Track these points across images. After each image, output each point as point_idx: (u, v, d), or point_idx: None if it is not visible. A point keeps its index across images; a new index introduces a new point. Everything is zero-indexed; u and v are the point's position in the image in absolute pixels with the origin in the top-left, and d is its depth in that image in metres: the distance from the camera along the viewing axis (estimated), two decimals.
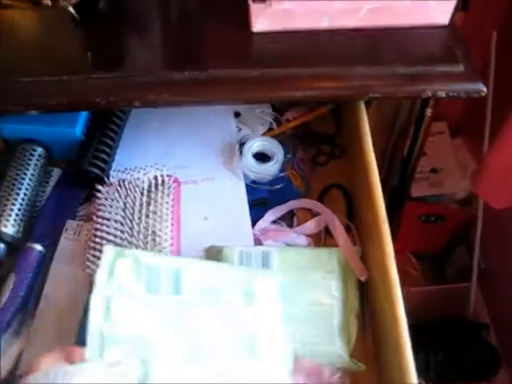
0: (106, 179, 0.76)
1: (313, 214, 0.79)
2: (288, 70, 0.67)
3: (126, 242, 0.70)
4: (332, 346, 0.66)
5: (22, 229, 0.74)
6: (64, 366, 0.50)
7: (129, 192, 0.73)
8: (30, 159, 0.77)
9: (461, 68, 0.67)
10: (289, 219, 0.79)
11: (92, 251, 0.70)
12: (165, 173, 0.75)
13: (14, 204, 0.74)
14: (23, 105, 0.68)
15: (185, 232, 0.75)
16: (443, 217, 1.39)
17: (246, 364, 0.58)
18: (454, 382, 1.28)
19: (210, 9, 0.75)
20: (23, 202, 0.75)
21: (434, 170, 1.41)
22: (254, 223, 0.77)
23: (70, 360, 0.51)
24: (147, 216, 0.71)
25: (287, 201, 0.79)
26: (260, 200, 0.80)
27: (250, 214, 0.77)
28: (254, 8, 0.66)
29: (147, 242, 0.70)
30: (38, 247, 0.73)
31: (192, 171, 0.80)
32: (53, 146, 0.80)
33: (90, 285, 0.68)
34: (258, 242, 0.75)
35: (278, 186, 0.81)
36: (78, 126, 0.78)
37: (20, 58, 0.70)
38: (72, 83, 0.67)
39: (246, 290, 0.63)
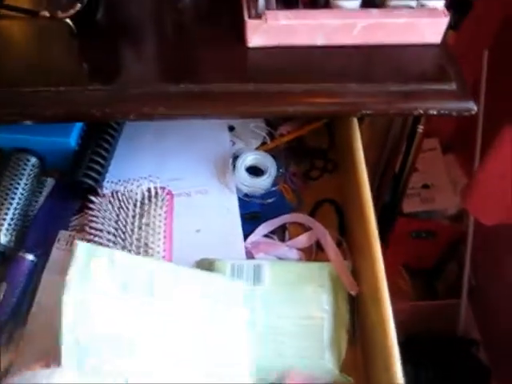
0: (99, 190, 0.76)
1: (305, 229, 0.79)
2: (282, 85, 0.67)
3: None
4: (322, 359, 0.66)
5: (14, 238, 0.74)
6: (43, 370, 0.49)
7: (122, 204, 0.74)
8: (24, 169, 0.78)
9: (452, 86, 0.68)
10: (281, 233, 0.79)
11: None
12: (158, 185, 0.75)
13: (6, 213, 0.74)
14: (19, 115, 0.68)
15: (177, 244, 0.75)
16: (434, 233, 1.40)
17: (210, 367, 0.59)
18: None
19: (205, 23, 0.75)
20: (16, 212, 0.75)
21: (425, 186, 1.42)
22: (246, 236, 0.77)
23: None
24: (140, 228, 0.72)
25: (279, 215, 0.79)
26: (252, 214, 0.80)
27: (243, 228, 0.78)
28: (250, 24, 0.67)
29: (139, 254, 0.70)
30: (30, 257, 0.73)
31: (185, 184, 0.81)
32: (47, 156, 0.80)
33: None
34: (249, 255, 0.75)
35: (270, 200, 0.81)
36: (72, 136, 0.78)
37: (16, 68, 0.70)
38: (68, 94, 0.67)
39: (211, 294, 0.64)
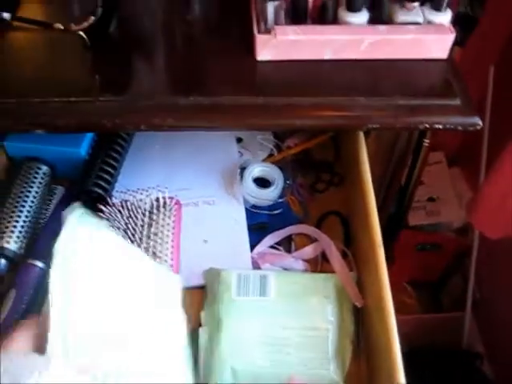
0: (108, 199, 0.77)
1: (310, 240, 0.80)
2: (290, 98, 0.68)
3: None
4: (327, 370, 0.66)
5: (24, 245, 0.75)
6: (31, 360, 0.48)
7: (131, 213, 0.75)
8: (35, 177, 0.79)
9: (458, 102, 0.69)
10: (287, 244, 0.80)
11: None
12: (167, 195, 0.76)
13: (17, 221, 0.75)
14: (31, 124, 0.70)
15: (185, 254, 0.76)
16: (439, 245, 1.40)
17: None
18: None
19: (215, 35, 0.77)
20: (26, 219, 0.76)
21: (431, 199, 1.42)
22: (252, 247, 0.78)
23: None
24: (148, 237, 0.73)
25: (286, 226, 0.80)
26: (259, 224, 0.81)
27: (249, 238, 0.79)
28: (260, 38, 0.68)
29: None
30: (40, 264, 0.74)
31: (193, 194, 0.82)
32: (57, 165, 0.82)
33: None
34: (255, 265, 0.76)
35: (277, 211, 0.82)
36: (82, 146, 0.80)
37: (30, 79, 0.71)
38: (80, 105, 0.68)
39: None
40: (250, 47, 0.71)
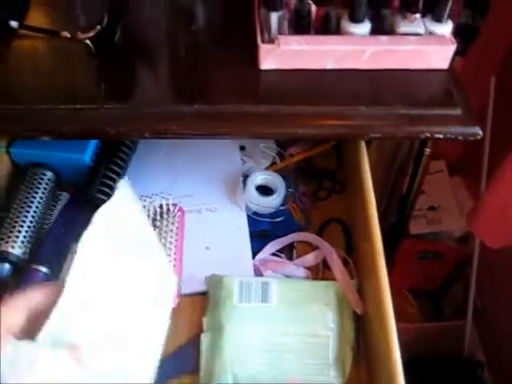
0: None
1: (312, 247, 0.81)
2: (293, 107, 0.69)
3: None
4: (327, 376, 0.67)
5: (28, 250, 0.76)
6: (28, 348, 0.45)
7: None
8: (40, 183, 0.80)
9: (458, 111, 0.69)
10: (288, 251, 0.80)
11: None
12: (170, 201, 0.77)
13: (22, 226, 0.76)
14: (37, 131, 0.70)
15: (187, 260, 0.77)
16: (441, 254, 1.41)
17: None
18: None
19: (219, 46, 0.78)
20: (31, 225, 0.77)
21: (432, 208, 1.43)
22: (254, 254, 0.79)
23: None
24: None
25: (288, 233, 0.81)
26: (261, 232, 0.82)
27: (251, 245, 0.79)
28: (263, 48, 0.69)
29: None
30: (43, 269, 0.75)
31: (196, 201, 0.83)
32: (62, 171, 0.82)
33: None
34: (257, 272, 0.77)
35: (279, 219, 0.83)
36: (87, 152, 0.81)
37: (36, 86, 0.72)
38: (85, 112, 0.69)
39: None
40: (253, 56, 0.72)
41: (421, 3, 0.70)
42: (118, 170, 0.82)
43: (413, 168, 0.99)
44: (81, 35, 0.74)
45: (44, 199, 0.80)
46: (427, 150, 0.95)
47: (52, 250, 0.77)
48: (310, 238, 0.81)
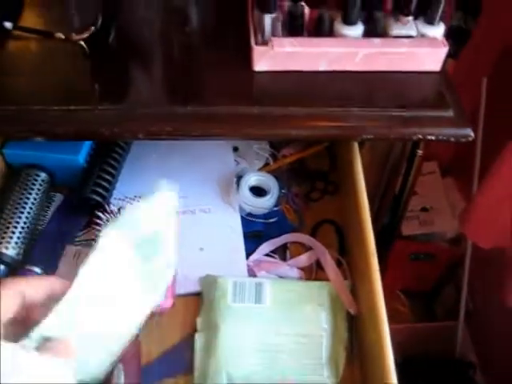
0: (106, 206, 0.78)
1: (305, 248, 0.81)
2: (286, 108, 0.70)
3: None
4: (320, 376, 0.67)
5: (22, 251, 0.76)
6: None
7: None
8: (34, 184, 0.80)
9: (450, 113, 0.70)
10: (282, 252, 0.81)
11: None
12: None
13: (15, 227, 0.76)
14: (31, 131, 0.70)
15: (181, 261, 0.76)
16: (433, 255, 1.41)
17: None
18: None
19: (213, 47, 0.78)
20: (25, 226, 0.77)
21: (424, 209, 1.43)
22: (248, 255, 0.79)
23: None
24: None
25: (281, 234, 0.81)
26: (255, 232, 0.82)
27: (245, 246, 0.79)
28: (257, 50, 0.70)
29: None
30: (37, 270, 0.75)
31: (190, 202, 0.83)
32: (56, 172, 0.82)
33: None
34: (251, 273, 0.77)
35: (272, 220, 0.83)
36: (81, 153, 0.81)
37: (30, 87, 0.72)
38: (79, 113, 0.69)
39: None
40: (247, 58, 0.72)
41: (413, 5, 0.70)
42: (111, 171, 0.82)
43: (405, 169, 1.00)
44: (75, 36, 0.74)
45: (38, 200, 0.80)
46: (419, 152, 0.95)
47: (46, 251, 0.77)
48: (303, 239, 0.81)
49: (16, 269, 0.75)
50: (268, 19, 0.70)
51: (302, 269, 0.79)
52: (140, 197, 0.79)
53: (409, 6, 0.70)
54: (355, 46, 0.70)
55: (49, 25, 0.78)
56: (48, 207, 0.82)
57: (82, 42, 0.74)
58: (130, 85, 0.74)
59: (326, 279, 0.76)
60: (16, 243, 0.75)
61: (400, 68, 0.72)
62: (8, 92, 0.72)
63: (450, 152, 1.49)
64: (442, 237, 1.43)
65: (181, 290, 0.75)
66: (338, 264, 0.79)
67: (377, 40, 0.70)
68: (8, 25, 0.75)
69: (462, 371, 1.34)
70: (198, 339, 0.70)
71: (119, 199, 0.80)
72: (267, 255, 0.80)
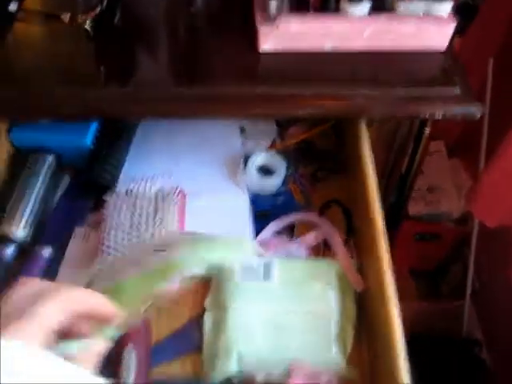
0: (114, 188, 0.79)
1: (313, 228, 0.81)
2: (292, 88, 0.70)
3: None
4: (329, 353, 0.68)
5: (31, 233, 0.77)
6: None
7: (136, 201, 0.76)
8: (42, 166, 0.80)
9: (457, 91, 0.70)
10: (289, 232, 0.81)
11: (100, 257, 0.72)
12: (171, 184, 0.78)
13: (25, 209, 0.76)
14: (37, 113, 0.71)
15: None
16: (439, 235, 1.42)
17: None
18: None
19: (219, 28, 0.78)
20: (34, 208, 0.77)
21: (430, 189, 1.43)
22: (255, 235, 0.79)
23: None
24: (154, 225, 0.74)
25: (288, 214, 0.81)
26: (262, 212, 0.82)
27: (252, 226, 0.80)
28: (262, 30, 0.69)
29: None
30: (47, 252, 0.75)
31: (197, 183, 0.83)
32: (64, 154, 0.83)
33: None
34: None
35: (279, 199, 0.83)
36: (88, 135, 0.81)
37: (36, 68, 0.72)
38: (85, 94, 0.70)
39: None
40: (252, 38, 0.72)
41: None
42: (118, 152, 0.82)
43: (412, 148, 1.00)
44: (80, 18, 0.74)
45: (46, 182, 0.80)
46: (427, 130, 0.95)
47: (55, 232, 0.78)
48: (311, 218, 0.81)
49: (26, 250, 0.76)
50: None
51: (309, 248, 0.79)
52: (148, 178, 0.79)
53: None
54: (361, 24, 0.70)
55: (54, 6, 0.78)
56: (56, 189, 0.83)
57: (88, 24, 0.74)
58: (135, 66, 0.74)
59: (334, 258, 0.76)
60: (25, 224, 0.76)
61: (407, 46, 0.72)
62: (13, 74, 0.72)
63: (456, 132, 1.48)
64: (448, 216, 1.43)
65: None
66: (345, 243, 0.79)
67: (383, 17, 0.70)
68: (13, 7, 0.75)
69: (468, 349, 1.35)
70: (207, 318, 0.71)
71: (126, 181, 0.80)
72: (275, 235, 0.80)
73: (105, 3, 0.74)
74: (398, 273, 0.67)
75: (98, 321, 0.47)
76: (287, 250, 0.78)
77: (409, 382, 0.60)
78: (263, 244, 0.78)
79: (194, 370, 0.69)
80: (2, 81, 0.71)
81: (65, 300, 0.44)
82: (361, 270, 0.75)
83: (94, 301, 0.47)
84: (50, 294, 0.43)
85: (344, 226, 0.82)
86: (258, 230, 0.79)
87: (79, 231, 0.79)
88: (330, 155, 0.89)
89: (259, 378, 0.66)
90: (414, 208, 1.39)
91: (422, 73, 0.72)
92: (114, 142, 0.83)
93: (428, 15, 0.71)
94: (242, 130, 0.90)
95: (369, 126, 0.80)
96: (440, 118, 0.71)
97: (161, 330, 0.72)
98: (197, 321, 0.72)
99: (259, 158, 0.85)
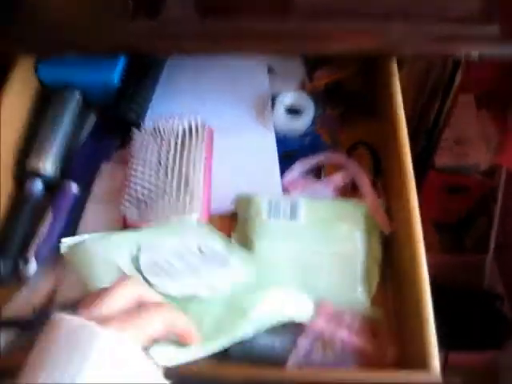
0: (141, 124, 0.78)
1: (340, 168, 0.80)
2: (324, 23, 0.68)
3: (160, 186, 0.72)
4: (354, 292, 0.68)
5: (59, 170, 0.77)
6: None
7: (163, 137, 0.75)
8: (69, 103, 0.80)
9: (496, 29, 0.67)
10: (317, 172, 0.80)
11: (127, 193, 0.72)
12: (199, 120, 0.77)
13: (52, 145, 0.77)
14: (64, 47, 0.70)
15: (215, 180, 0.77)
16: (466, 188, 1.40)
17: None
18: (466, 349, 1.30)
19: None
20: (61, 144, 0.77)
21: (458, 141, 1.41)
22: (282, 175, 0.79)
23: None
24: (181, 161, 0.73)
25: (316, 154, 0.80)
26: (289, 152, 0.81)
27: (279, 166, 0.79)
28: None
29: (180, 187, 0.72)
30: (74, 187, 0.76)
31: (224, 122, 0.82)
32: (90, 92, 0.82)
33: (123, 223, 0.71)
34: (286, 192, 0.77)
35: (307, 140, 0.82)
36: (115, 72, 0.80)
37: (62, 2, 0.71)
38: (112, 28, 0.69)
39: None
40: None
41: None
42: (145, 89, 0.81)
43: (442, 96, 0.97)
44: None
45: (73, 119, 0.80)
46: (458, 77, 0.93)
47: (82, 169, 0.78)
48: (338, 159, 0.80)
49: (53, 186, 0.76)
50: None
51: (336, 188, 0.78)
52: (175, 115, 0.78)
53: None
54: None
55: None
56: (83, 127, 0.83)
57: None
58: (162, 1, 0.73)
59: (361, 199, 0.75)
60: (53, 160, 0.76)
61: None
62: (39, 8, 0.71)
63: (486, 83, 1.44)
64: (476, 169, 1.40)
65: (215, 210, 0.75)
66: (373, 185, 0.78)
67: None
68: None
69: (490, 302, 1.35)
70: None
71: (154, 118, 0.79)
72: (302, 175, 0.79)
73: None
74: (422, 224, 0.66)
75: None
76: (314, 190, 0.77)
77: (433, 323, 0.60)
78: (290, 184, 0.77)
79: None
80: (28, 15, 0.70)
81: (167, 316, 0.47)
82: (388, 212, 0.74)
83: (183, 323, 0.49)
84: (155, 306, 0.47)
85: (371, 168, 0.81)
86: (284, 170, 0.79)
87: (106, 168, 0.79)
88: (359, 97, 0.87)
89: None
90: (441, 159, 1.37)
91: (460, 9, 0.70)
92: (141, 80, 0.82)
93: None
94: (270, 70, 0.89)
95: (399, 69, 0.78)
96: (476, 59, 0.68)
97: None
98: None
99: (287, 98, 0.84)
